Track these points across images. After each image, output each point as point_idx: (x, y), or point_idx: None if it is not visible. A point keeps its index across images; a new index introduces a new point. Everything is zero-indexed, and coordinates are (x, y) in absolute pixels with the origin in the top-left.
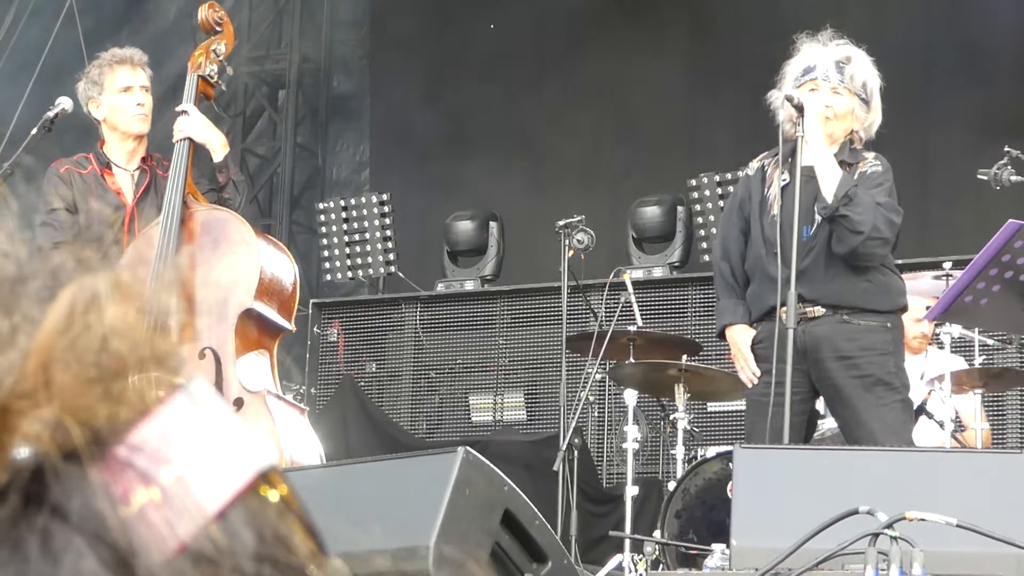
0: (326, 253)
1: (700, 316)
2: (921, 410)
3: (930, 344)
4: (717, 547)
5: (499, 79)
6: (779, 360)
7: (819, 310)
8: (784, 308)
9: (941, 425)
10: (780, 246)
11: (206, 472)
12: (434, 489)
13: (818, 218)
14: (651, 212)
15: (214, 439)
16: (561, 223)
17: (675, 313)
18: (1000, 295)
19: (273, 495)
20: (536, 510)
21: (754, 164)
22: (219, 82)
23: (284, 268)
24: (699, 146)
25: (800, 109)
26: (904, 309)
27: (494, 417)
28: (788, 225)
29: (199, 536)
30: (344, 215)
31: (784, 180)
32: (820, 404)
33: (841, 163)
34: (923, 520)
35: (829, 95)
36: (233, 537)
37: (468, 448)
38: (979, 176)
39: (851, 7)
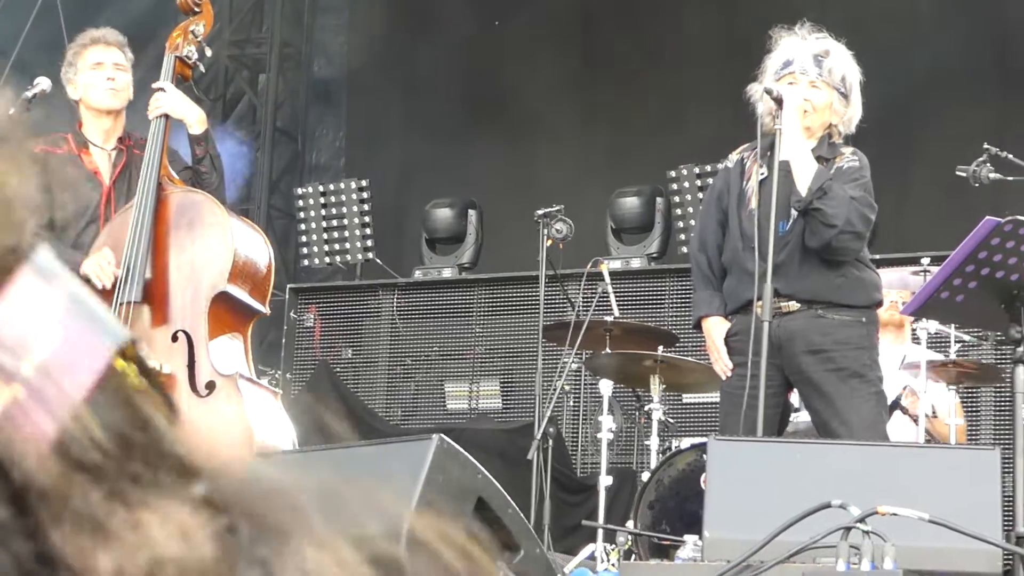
0: (304, 238)
1: (677, 307)
2: (896, 405)
3: (910, 335)
4: (690, 538)
5: (480, 68)
6: (754, 354)
7: (794, 305)
8: (760, 303)
9: (915, 420)
10: (756, 240)
11: (68, 356)
12: (407, 475)
13: (794, 213)
14: (630, 203)
15: (69, 318)
16: (540, 212)
17: (652, 304)
18: (977, 292)
19: (131, 368)
20: (509, 498)
21: (734, 156)
22: (197, 63)
23: (258, 251)
24: (679, 137)
25: (779, 102)
26: (879, 304)
27: (469, 405)
28: (765, 219)
29: (70, 428)
30: (322, 200)
31: (762, 174)
32: (794, 398)
33: (818, 158)
34: (895, 515)
35: (807, 88)
36: (100, 418)
37: (442, 435)
38: (958, 173)
39: (834, 1)
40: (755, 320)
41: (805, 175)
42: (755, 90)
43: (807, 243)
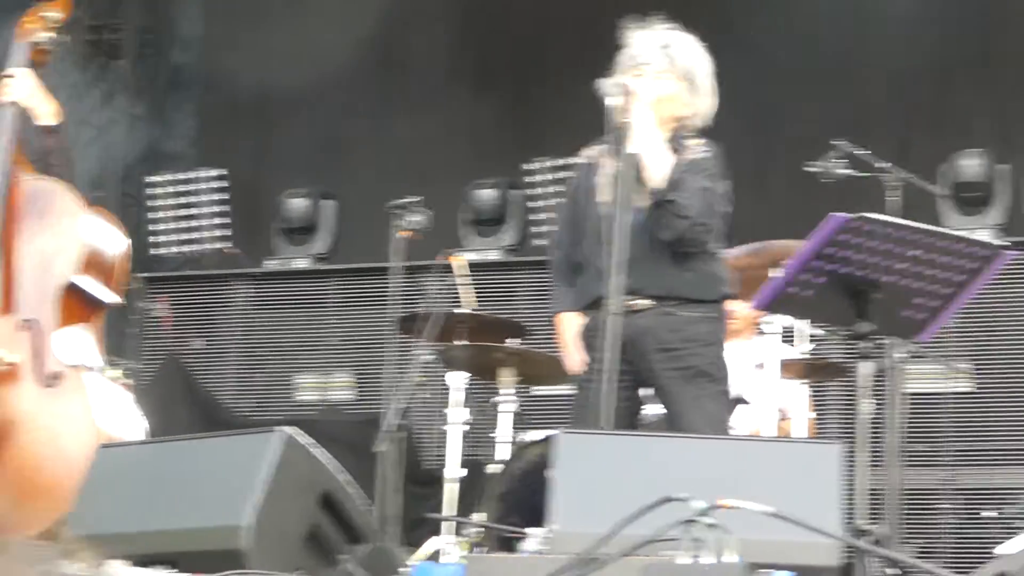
0: (157, 227)
1: (533, 299)
2: (739, 399)
3: (755, 330)
4: (536, 531)
5: (336, 56)
6: (603, 349)
7: (644, 303)
8: (610, 299)
9: (762, 414)
10: (606, 235)
11: None
12: (253, 468)
13: (644, 206)
14: (486, 195)
15: None
16: (394, 203)
17: (508, 296)
18: (825, 287)
19: None
20: (356, 491)
21: (587, 152)
22: (52, 50)
23: (111, 241)
24: (535, 130)
25: (628, 95)
26: (728, 297)
27: (321, 397)
28: (614, 214)
29: None
30: (177, 189)
31: (612, 168)
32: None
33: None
34: (738, 508)
35: (652, 79)
36: None
37: (288, 428)
38: (808, 168)
39: None
40: (603, 315)
41: (658, 167)
42: (605, 84)
43: (659, 236)
